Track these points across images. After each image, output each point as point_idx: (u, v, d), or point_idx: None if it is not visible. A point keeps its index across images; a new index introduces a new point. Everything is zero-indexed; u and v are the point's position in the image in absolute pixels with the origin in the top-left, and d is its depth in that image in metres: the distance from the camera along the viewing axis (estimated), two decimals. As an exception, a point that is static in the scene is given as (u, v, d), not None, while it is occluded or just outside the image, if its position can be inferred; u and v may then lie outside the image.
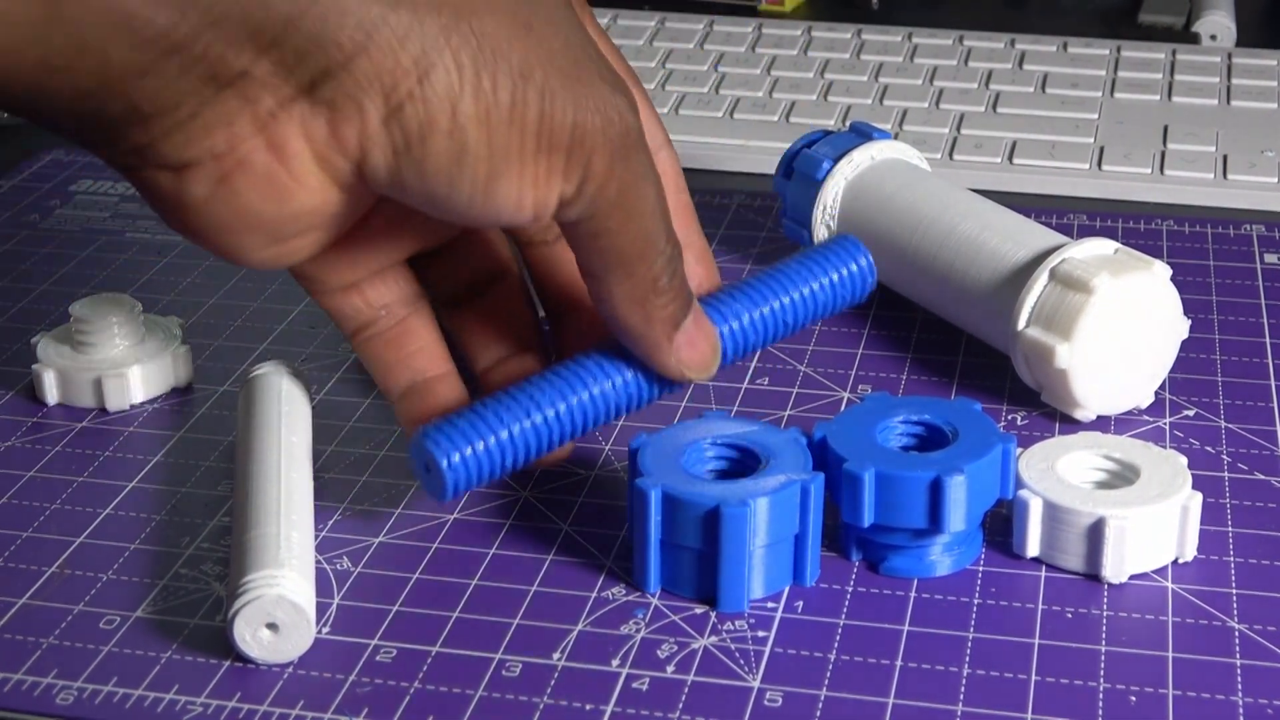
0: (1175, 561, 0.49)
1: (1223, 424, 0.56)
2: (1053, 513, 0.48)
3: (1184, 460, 0.50)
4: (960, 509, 0.47)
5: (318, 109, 0.41)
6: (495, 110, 0.41)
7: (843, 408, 0.54)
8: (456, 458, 0.46)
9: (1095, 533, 0.48)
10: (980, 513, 0.49)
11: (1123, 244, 0.56)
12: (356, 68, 0.40)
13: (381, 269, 0.49)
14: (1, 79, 0.39)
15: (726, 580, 0.46)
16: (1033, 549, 0.49)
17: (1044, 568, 0.49)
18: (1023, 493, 0.48)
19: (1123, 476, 0.50)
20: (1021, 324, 0.55)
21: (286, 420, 0.52)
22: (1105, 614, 0.47)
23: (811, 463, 0.48)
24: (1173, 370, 0.57)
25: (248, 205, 0.42)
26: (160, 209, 0.43)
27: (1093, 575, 0.48)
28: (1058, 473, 0.49)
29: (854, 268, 0.51)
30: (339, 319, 0.50)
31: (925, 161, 0.65)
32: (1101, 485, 0.50)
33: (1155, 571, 0.48)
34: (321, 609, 0.47)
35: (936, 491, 0.46)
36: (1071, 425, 0.55)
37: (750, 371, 0.59)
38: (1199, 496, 0.48)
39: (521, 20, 0.42)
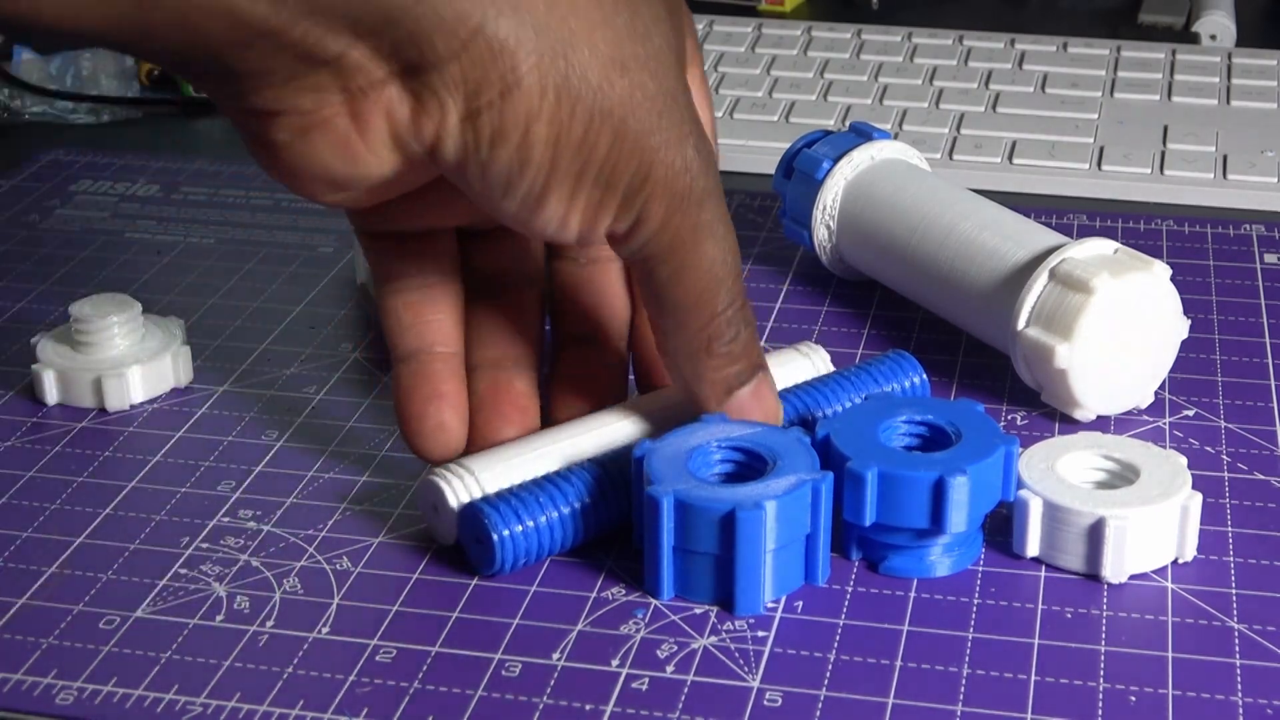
0: (1175, 562, 0.49)
1: (1223, 424, 0.56)
2: (1053, 513, 0.48)
3: (1184, 460, 0.50)
4: (962, 510, 0.47)
5: (404, 95, 0.43)
6: (566, 139, 0.43)
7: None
8: (506, 533, 0.47)
9: (1095, 533, 0.48)
10: (982, 514, 0.49)
11: (1123, 244, 0.56)
12: (447, 70, 0.42)
13: (429, 230, 0.50)
14: (100, 35, 0.40)
15: (742, 583, 0.46)
16: (1033, 549, 0.49)
17: (1044, 568, 0.49)
18: (1023, 493, 0.48)
19: (1123, 476, 0.50)
20: (1021, 324, 0.55)
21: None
22: (1105, 614, 0.47)
23: (818, 462, 0.48)
24: (1173, 370, 0.57)
25: (322, 159, 0.44)
26: (245, 142, 0.45)
27: (1093, 575, 0.48)
28: (1058, 473, 0.49)
29: (908, 385, 0.55)
30: (374, 263, 0.51)
31: (925, 161, 0.65)
32: (1101, 485, 0.50)
33: (1155, 571, 0.48)
34: (321, 609, 0.47)
35: (939, 492, 0.46)
36: (1071, 425, 0.55)
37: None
38: (1199, 496, 0.48)
39: (619, 60, 0.43)
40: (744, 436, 0.49)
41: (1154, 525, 0.48)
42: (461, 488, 0.48)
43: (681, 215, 0.45)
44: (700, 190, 0.46)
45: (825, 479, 0.47)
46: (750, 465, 0.48)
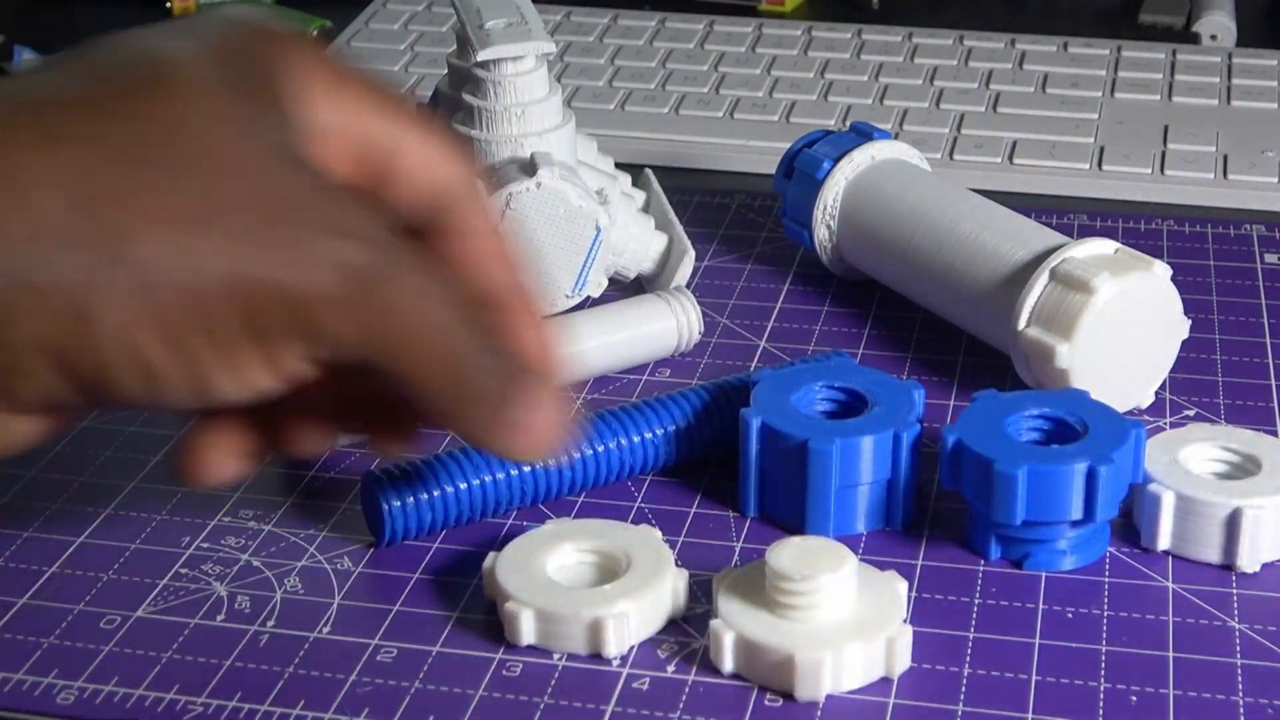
0: None
1: (1223, 424, 0.56)
2: (1186, 505, 0.48)
3: None
4: (1114, 497, 0.47)
5: None
6: (177, 329, 0.38)
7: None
8: (398, 504, 0.49)
9: (1232, 523, 0.48)
10: (1119, 501, 0.48)
11: (1123, 244, 0.56)
12: (14, 333, 0.37)
13: None
14: None
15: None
16: (1164, 542, 0.49)
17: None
18: (1153, 487, 0.49)
19: (1244, 468, 0.50)
20: (1022, 324, 0.55)
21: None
22: (1105, 614, 0.47)
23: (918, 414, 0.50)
24: (1173, 370, 0.57)
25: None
26: None
27: (1227, 566, 0.48)
28: (1183, 465, 0.50)
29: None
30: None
31: (925, 161, 0.65)
32: (1224, 476, 0.50)
33: (1155, 571, 0.48)
34: (321, 609, 0.47)
35: (1091, 481, 0.47)
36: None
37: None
38: None
39: (196, 208, 0.38)
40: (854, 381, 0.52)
41: None
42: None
43: (368, 310, 0.39)
44: (374, 272, 0.39)
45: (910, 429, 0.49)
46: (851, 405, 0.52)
